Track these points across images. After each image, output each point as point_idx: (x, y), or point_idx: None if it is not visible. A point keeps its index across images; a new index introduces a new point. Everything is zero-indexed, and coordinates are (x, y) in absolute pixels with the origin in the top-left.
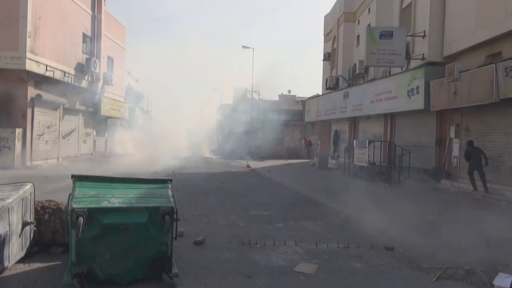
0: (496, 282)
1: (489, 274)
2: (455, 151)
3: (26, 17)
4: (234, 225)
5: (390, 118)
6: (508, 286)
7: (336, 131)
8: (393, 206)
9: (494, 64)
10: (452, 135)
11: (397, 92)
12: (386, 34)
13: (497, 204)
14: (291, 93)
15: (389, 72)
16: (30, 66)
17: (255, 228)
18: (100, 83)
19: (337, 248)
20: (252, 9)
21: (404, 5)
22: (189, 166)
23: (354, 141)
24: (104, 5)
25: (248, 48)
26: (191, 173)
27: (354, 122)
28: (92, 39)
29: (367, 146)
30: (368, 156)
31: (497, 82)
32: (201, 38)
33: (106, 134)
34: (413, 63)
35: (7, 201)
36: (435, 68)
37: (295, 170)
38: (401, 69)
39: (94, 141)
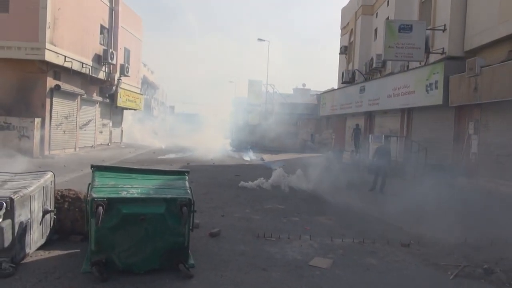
0: None
1: (509, 274)
2: (474, 147)
3: (45, 8)
4: (249, 218)
5: (407, 113)
6: None
7: (357, 125)
8: (408, 202)
9: None
10: (471, 131)
11: (415, 87)
12: (405, 28)
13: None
14: (306, 87)
15: (407, 66)
16: (50, 57)
17: (269, 221)
18: (117, 74)
19: (352, 243)
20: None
21: None
22: (203, 157)
23: (370, 136)
24: None
25: (264, 41)
26: (205, 165)
27: (370, 116)
28: (109, 30)
29: (382, 141)
30: None
31: None
32: (216, 30)
33: (122, 125)
34: (432, 58)
35: (29, 189)
36: (455, 62)
37: (308, 163)
38: (420, 64)
39: (110, 132)
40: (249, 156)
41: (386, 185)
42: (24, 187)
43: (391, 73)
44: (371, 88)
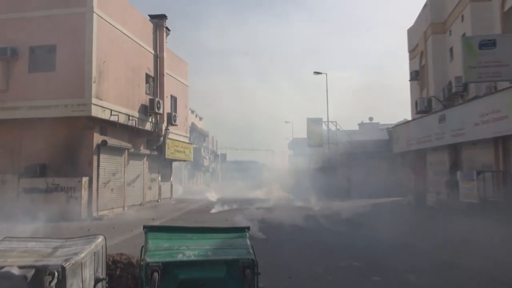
0: None
1: None
2: None
3: (91, 62)
4: (320, 278)
5: (501, 142)
6: None
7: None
8: None
9: None
10: None
11: (507, 111)
12: (488, 43)
13: None
14: (373, 121)
15: (495, 87)
16: (96, 112)
17: (346, 282)
18: (164, 124)
19: None
20: (320, 33)
21: (506, 7)
22: (261, 208)
23: (458, 173)
24: (166, 42)
25: (320, 73)
26: (265, 216)
27: (455, 150)
28: (155, 79)
29: (475, 178)
30: (478, 190)
31: None
32: (265, 68)
33: (172, 179)
34: None
35: (80, 255)
36: None
37: (386, 210)
38: (510, 83)
39: (159, 187)
40: (314, 204)
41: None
42: (75, 254)
43: (476, 97)
44: (453, 116)
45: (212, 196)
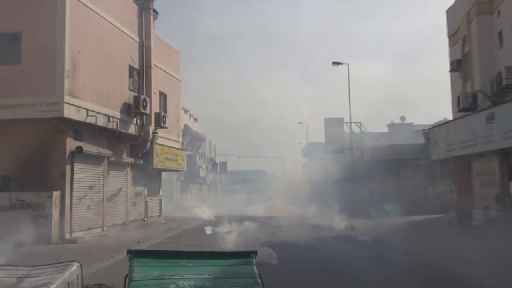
0: None
1: None
2: None
3: (63, 53)
4: None
5: None
6: None
7: None
8: None
9: None
10: None
11: None
12: None
13: None
14: (406, 121)
15: None
16: (69, 112)
17: None
18: (151, 127)
19: None
20: (339, 14)
21: None
22: (269, 229)
23: (511, 184)
24: (153, 28)
25: (341, 64)
26: (274, 240)
27: (507, 156)
28: (140, 72)
29: None
30: None
31: None
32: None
33: (161, 193)
34: None
35: (50, 287)
36: None
37: (424, 231)
38: None
39: (146, 203)
40: (333, 224)
41: None
42: (44, 285)
43: None
44: (504, 114)
45: (206, 213)
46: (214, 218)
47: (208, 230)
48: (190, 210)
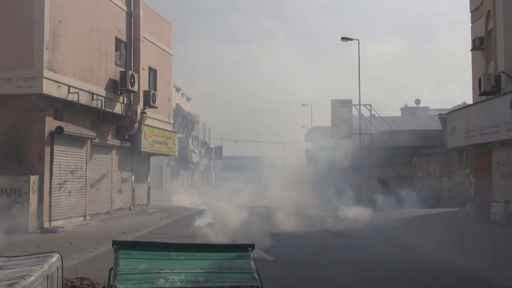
0: None
1: None
2: None
3: (42, 22)
4: None
5: None
6: None
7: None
8: None
9: None
10: None
11: None
12: None
13: None
14: (421, 104)
15: None
16: (49, 88)
17: None
18: (140, 106)
19: None
20: None
21: None
22: (269, 221)
23: None
24: None
25: (350, 40)
26: (275, 232)
27: None
28: (127, 45)
29: None
30: None
31: None
32: (276, 32)
33: (149, 179)
34: None
35: (28, 279)
36: None
37: (439, 226)
38: None
39: (133, 190)
40: (338, 216)
41: None
42: (22, 277)
43: None
44: None
45: (202, 202)
46: (206, 208)
47: (200, 221)
48: (182, 199)
